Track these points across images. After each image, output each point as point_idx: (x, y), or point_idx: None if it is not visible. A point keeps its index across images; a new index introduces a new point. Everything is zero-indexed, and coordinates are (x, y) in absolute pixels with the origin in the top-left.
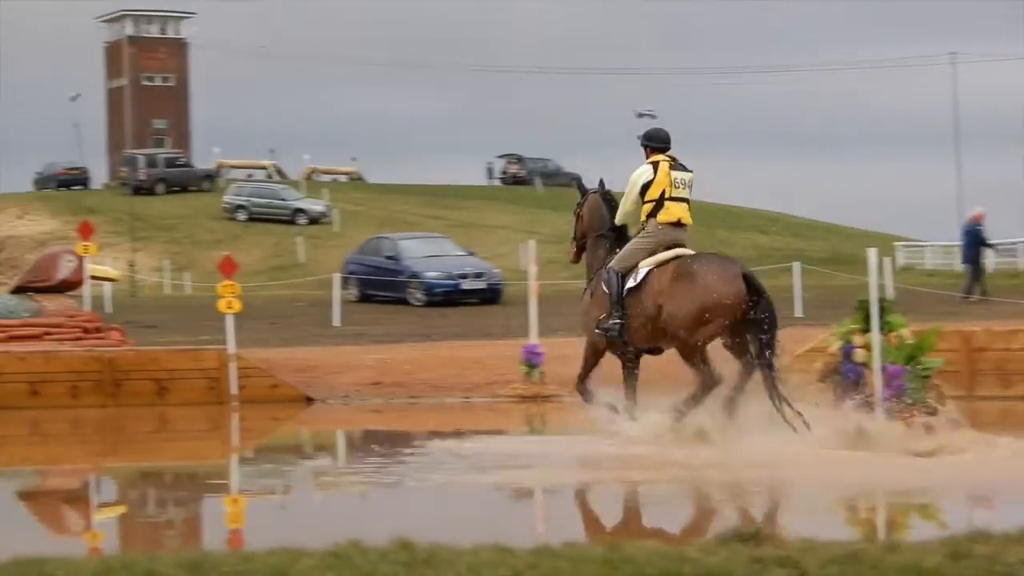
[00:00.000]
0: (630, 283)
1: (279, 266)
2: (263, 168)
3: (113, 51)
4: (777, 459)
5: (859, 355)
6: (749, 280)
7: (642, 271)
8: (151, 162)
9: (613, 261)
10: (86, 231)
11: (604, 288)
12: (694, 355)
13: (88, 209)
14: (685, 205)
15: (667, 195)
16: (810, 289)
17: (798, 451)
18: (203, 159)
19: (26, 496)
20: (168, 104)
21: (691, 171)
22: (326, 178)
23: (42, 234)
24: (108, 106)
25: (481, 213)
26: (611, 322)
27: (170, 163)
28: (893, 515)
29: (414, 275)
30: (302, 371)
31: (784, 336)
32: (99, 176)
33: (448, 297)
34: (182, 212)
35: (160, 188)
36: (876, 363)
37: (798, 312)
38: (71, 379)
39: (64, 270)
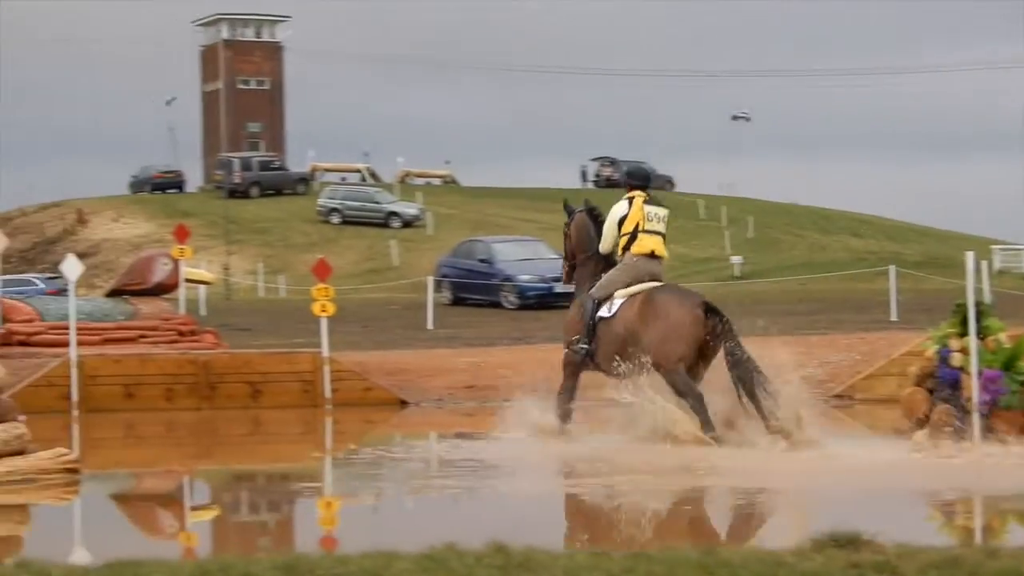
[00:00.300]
0: (604, 312)
1: (372, 269)
2: (357, 171)
3: (209, 55)
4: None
5: (956, 359)
6: (712, 309)
7: (616, 302)
8: (246, 165)
9: (594, 288)
10: (182, 234)
11: (577, 310)
12: (673, 378)
13: (183, 212)
14: (659, 238)
15: (640, 228)
16: (905, 292)
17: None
18: (297, 162)
19: (121, 498)
20: (263, 107)
21: (666, 207)
22: (419, 181)
23: (137, 237)
24: (203, 110)
25: None
26: (579, 345)
27: (264, 166)
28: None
29: (507, 278)
30: (395, 374)
31: (879, 340)
32: (194, 179)
33: (541, 300)
34: (276, 215)
35: (254, 191)
36: (974, 367)
37: (893, 316)
38: (166, 382)
39: (159, 273)
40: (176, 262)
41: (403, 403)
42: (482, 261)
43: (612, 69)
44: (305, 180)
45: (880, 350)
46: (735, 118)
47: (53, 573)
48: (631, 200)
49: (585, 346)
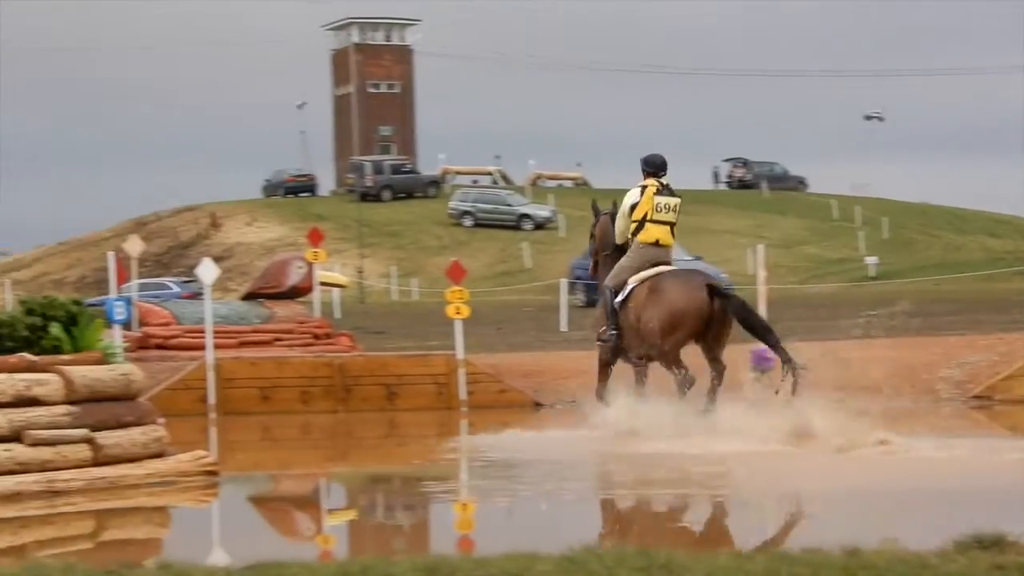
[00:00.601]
0: (620, 298)
1: (505, 271)
2: (488, 174)
3: (339, 59)
4: None
5: None
6: (714, 291)
7: (628, 287)
8: (377, 169)
9: (607, 279)
10: (316, 238)
11: (601, 303)
12: (665, 360)
13: (315, 216)
14: (667, 228)
15: (648, 217)
16: None
17: None
18: (428, 165)
19: (259, 501)
20: (394, 110)
21: (678, 197)
22: (551, 183)
23: (270, 241)
24: (334, 113)
25: (707, 218)
26: (608, 333)
27: (396, 170)
28: None
29: None
30: (530, 376)
31: (1018, 340)
32: (326, 183)
33: None
34: (408, 218)
35: (386, 195)
36: None
37: None
38: (301, 384)
39: (294, 277)
40: (310, 265)
41: (537, 405)
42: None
43: (745, 70)
44: (436, 183)
45: (1019, 351)
46: (868, 118)
47: (193, 575)
48: (643, 188)
49: (614, 331)
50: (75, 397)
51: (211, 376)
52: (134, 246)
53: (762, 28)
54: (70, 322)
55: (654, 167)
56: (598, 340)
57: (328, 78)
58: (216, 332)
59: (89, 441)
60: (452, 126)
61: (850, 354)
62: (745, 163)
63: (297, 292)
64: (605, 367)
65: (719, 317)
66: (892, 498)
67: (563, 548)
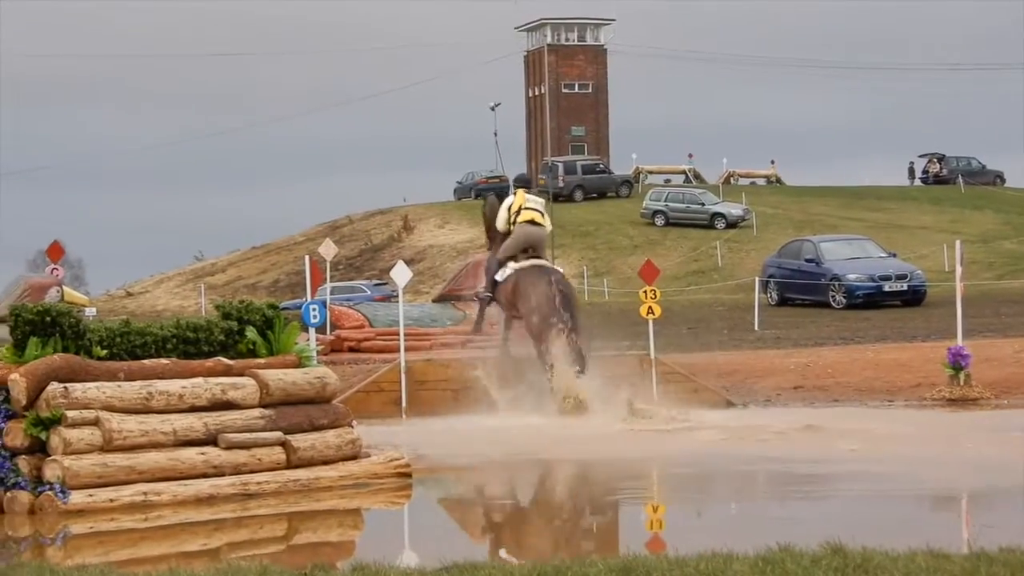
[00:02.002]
0: (499, 277)
1: (697, 271)
2: (681, 173)
3: (533, 60)
4: None
5: None
6: (557, 285)
7: (507, 271)
8: (569, 169)
9: (499, 251)
10: None
11: (487, 267)
12: (536, 345)
13: None
14: (537, 212)
15: (523, 206)
16: None
17: None
18: (621, 165)
19: (451, 502)
20: (586, 110)
21: (541, 199)
22: (744, 181)
23: (461, 243)
24: (527, 114)
25: (902, 214)
26: (484, 294)
27: (588, 170)
28: None
29: (835, 277)
30: (723, 375)
31: None
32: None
33: (870, 299)
34: (600, 218)
35: (578, 195)
36: None
37: None
38: None
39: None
40: None
41: (730, 404)
42: (809, 261)
43: (942, 64)
44: (629, 183)
45: None
46: None
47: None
48: (515, 195)
49: (489, 295)
50: (270, 400)
51: (404, 378)
52: (328, 250)
53: (964, 23)
54: (266, 326)
55: (523, 182)
56: (475, 295)
57: (521, 79)
58: (408, 334)
59: (283, 444)
60: (645, 125)
61: None
62: (941, 158)
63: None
64: (482, 312)
65: (562, 304)
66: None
67: (758, 548)
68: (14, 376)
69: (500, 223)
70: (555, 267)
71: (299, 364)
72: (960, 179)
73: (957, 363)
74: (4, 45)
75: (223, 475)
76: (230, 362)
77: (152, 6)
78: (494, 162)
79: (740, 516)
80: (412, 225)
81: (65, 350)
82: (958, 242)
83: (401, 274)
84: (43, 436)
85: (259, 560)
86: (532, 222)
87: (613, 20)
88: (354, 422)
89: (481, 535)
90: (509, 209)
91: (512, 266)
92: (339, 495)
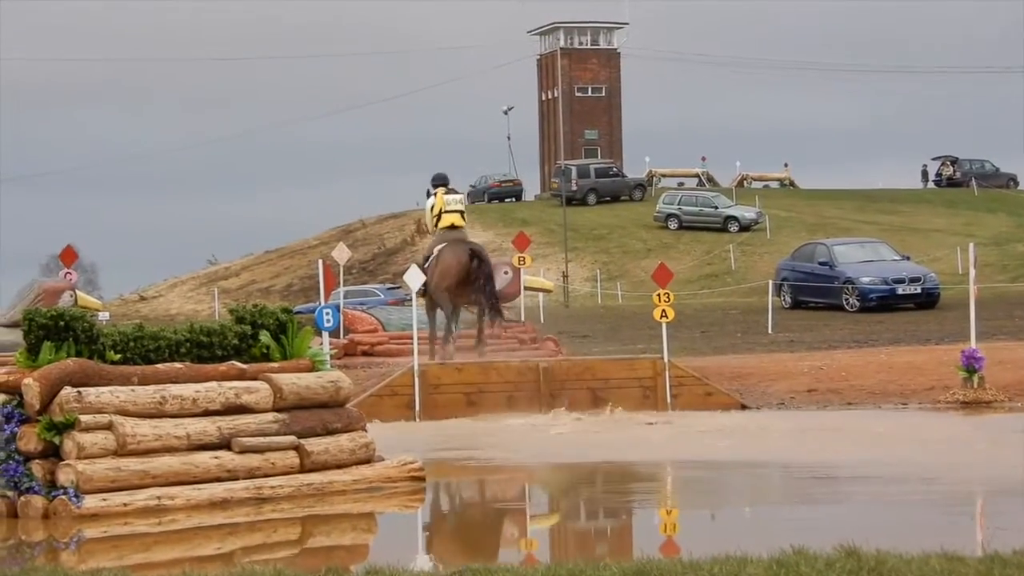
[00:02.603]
0: (426, 264)
1: (710, 274)
2: (694, 176)
3: (546, 63)
4: None
5: None
6: (475, 254)
7: (434, 252)
8: (583, 172)
9: (425, 252)
10: (522, 243)
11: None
12: (440, 304)
13: (520, 221)
14: (457, 214)
15: (443, 210)
16: None
17: None
18: (634, 168)
19: (464, 506)
20: (599, 114)
21: (460, 193)
22: (757, 184)
23: None
24: (540, 118)
25: (915, 217)
26: (418, 283)
27: (601, 173)
28: None
29: (848, 280)
30: (736, 379)
31: None
32: (531, 188)
33: (883, 302)
34: (613, 221)
35: (591, 198)
36: None
37: None
38: (507, 389)
39: (500, 282)
40: (517, 271)
41: (743, 407)
42: (822, 264)
43: (954, 67)
44: (642, 186)
45: None
46: None
47: None
48: (435, 194)
49: (420, 283)
50: (283, 404)
51: (417, 382)
52: (341, 254)
53: (975, 25)
54: (279, 330)
55: (441, 181)
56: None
57: (534, 83)
58: (422, 338)
59: (297, 448)
60: (658, 128)
61: None
62: (955, 161)
63: (503, 297)
64: (433, 319)
65: (475, 272)
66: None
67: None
68: (28, 380)
69: (427, 224)
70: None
71: (312, 368)
72: (973, 182)
73: (971, 366)
74: (10, 50)
75: (237, 479)
76: (244, 366)
77: (166, 7)
78: (507, 166)
79: (754, 519)
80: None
81: (79, 354)
82: (971, 245)
83: (414, 278)
84: (57, 440)
85: (273, 564)
86: (452, 226)
87: (626, 24)
88: (367, 426)
89: (495, 538)
90: (431, 211)
91: (436, 248)
92: (353, 499)
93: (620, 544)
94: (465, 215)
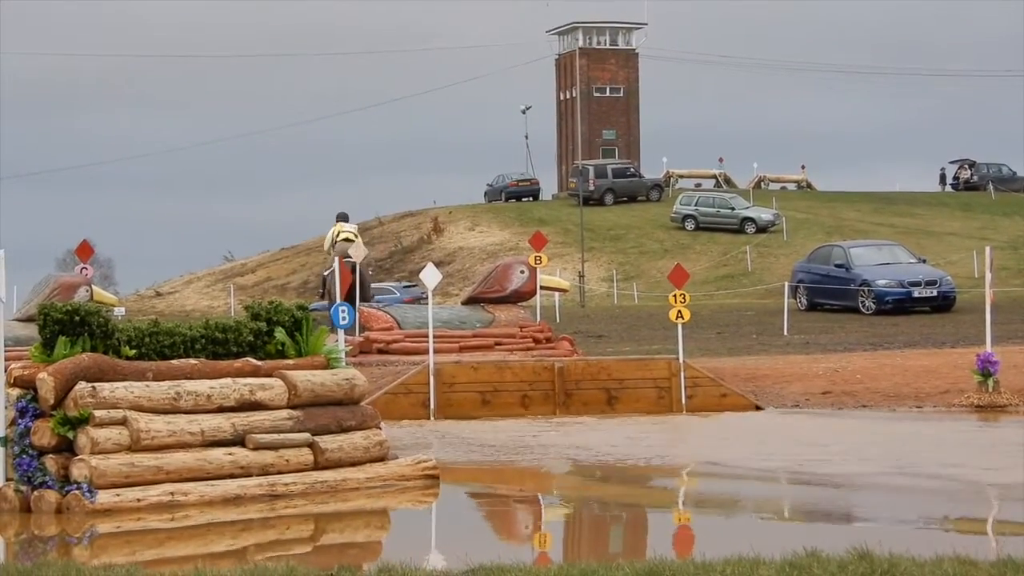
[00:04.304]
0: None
1: (727, 275)
2: (712, 177)
3: (564, 63)
4: None
5: None
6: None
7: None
8: (600, 172)
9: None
10: (539, 242)
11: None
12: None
13: (537, 220)
14: (350, 233)
15: (340, 232)
16: None
17: None
18: (651, 168)
19: (478, 504)
20: (617, 114)
21: (353, 226)
22: (775, 186)
23: (491, 245)
24: (558, 117)
25: (932, 220)
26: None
27: (619, 173)
28: None
29: (864, 283)
30: (751, 380)
31: None
32: (548, 187)
33: (899, 305)
34: (630, 222)
35: (608, 198)
36: None
37: None
38: (521, 389)
39: (516, 281)
40: (533, 270)
41: (758, 409)
42: (839, 266)
43: (973, 71)
44: (659, 187)
45: None
46: None
47: None
48: (337, 225)
49: (321, 290)
50: (298, 401)
51: (432, 381)
52: (358, 251)
53: (991, 27)
54: (294, 327)
55: (343, 218)
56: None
57: (552, 82)
58: (437, 336)
59: (311, 445)
60: (675, 129)
61: None
62: (972, 165)
63: (519, 296)
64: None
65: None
66: None
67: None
68: (42, 375)
69: (326, 244)
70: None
71: (327, 365)
72: (991, 185)
73: (986, 369)
74: (33, 46)
75: (250, 476)
76: (258, 363)
77: (182, 8)
78: (524, 165)
79: (766, 522)
80: (442, 227)
81: (94, 349)
82: (988, 248)
83: (431, 276)
84: (71, 435)
85: (286, 561)
86: (347, 239)
87: (645, 24)
88: (382, 424)
89: (508, 536)
90: (332, 235)
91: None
92: (366, 496)
93: (634, 545)
94: (357, 236)
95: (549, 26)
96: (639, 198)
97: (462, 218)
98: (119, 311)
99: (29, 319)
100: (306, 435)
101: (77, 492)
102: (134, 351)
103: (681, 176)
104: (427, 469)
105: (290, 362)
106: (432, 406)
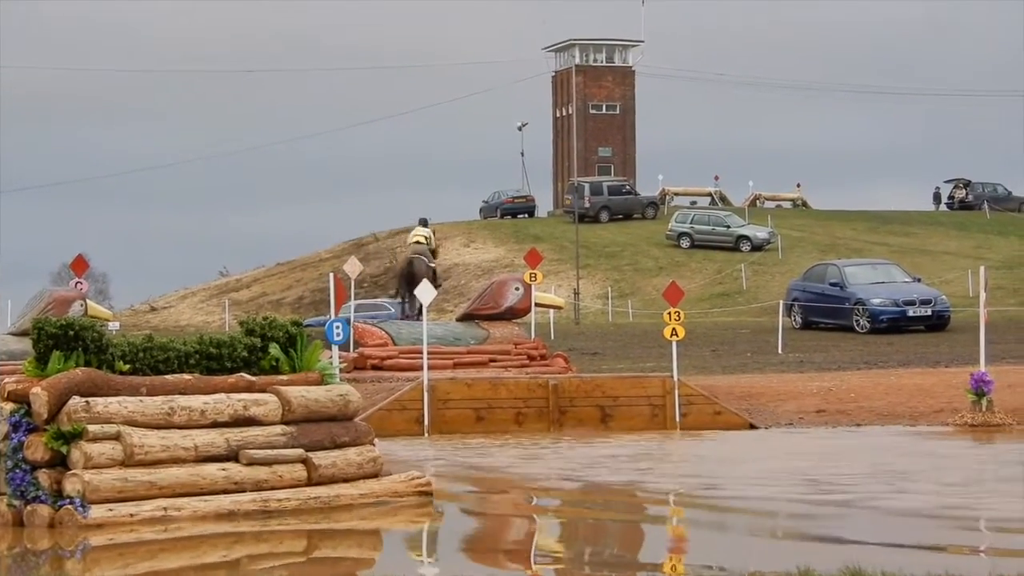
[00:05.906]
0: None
1: (722, 293)
2: (707, 195)
3: (560, 80)
4: None
5: None
6: (411, 263)
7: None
8: (596, 190)
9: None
10: (534, 259)
11: None
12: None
13: (533, 237)
14: (421, 236)
15: (414, 233)
16: None
17: None
18: (647, 186)
19: (471, 520)
20: (613, 131)
21: (427, 229)
22: (770, 204)
23: (487, 262)
24: (554, 134)
25: (927, 239)
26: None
27: (614, 191)
28: None
29: (859, 302)
30: (745, 398)
31: None
32: (544, 204)
33: (894, 324)
34: (625, 239)
35: (604, 216)
36: None
37: None
38: (516, 406)
39: (511, 298)
40: (528, 287)
41: (752, 427)
42: (833, 284)
43: (968, 90)
44: (655, 204)
45: None
46: None
47: None
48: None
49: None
50: (292, 417)
51: (426, 397)
52: (352, 267)
53: (987, 48)
54: (289, 343)
55: (422, 223)
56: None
57: (549, 99)
58: (431, 353)
59: (304, 461)
60: (671, 146)
61: None
62: (967, 184)
63: (514, 313)
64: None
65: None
66: None
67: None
68: (36, 389)
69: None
70: (421, 256)
71: (322, 381)
72: (985, 205)
73: (980, 389)
74: (24, 59)
75: (244, 491)
76: (252, 378)
77: (179, 22)
78: (520, 182)
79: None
80: (438, 244)
81: (88, 364)
82: (982, 268)
83: (426, 293)
84: (64, 450)
85: (279, 573)
86: (417, 242)
87: (641, 42)
88: (375, 440)
89: (503, 554)
90: (411, 238)
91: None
92: (359, 514)
93: (629, 560)
94: (428, 238)
95: (546, 43)
96: (635, 216)
97: (458, 234)
98: (113, 326)
99: (23, 333)
100: (300, 451)
101: (70, 507)
102: (128, 366)
103: (677, 194)
104: (420, 486)
105: (284, 378)
106: (426, 422)
